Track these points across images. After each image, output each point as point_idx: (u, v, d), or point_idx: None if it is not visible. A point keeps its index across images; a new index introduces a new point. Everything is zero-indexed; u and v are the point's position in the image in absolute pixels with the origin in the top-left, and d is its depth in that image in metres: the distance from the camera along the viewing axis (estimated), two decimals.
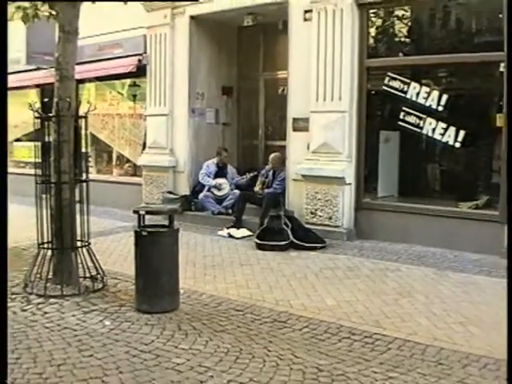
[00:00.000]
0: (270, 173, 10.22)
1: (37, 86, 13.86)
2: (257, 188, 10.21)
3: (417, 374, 4.31)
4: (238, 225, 9.72)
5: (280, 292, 6.41)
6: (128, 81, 12.63)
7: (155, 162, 11.67)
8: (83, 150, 7.07)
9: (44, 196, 6.50)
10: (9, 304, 5.46)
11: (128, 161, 13.12)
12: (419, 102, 8.77)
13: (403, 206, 9.01)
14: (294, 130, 9.83)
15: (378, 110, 10.18)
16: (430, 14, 9.44)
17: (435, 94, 8.69)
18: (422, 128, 8.77)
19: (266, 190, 9.98)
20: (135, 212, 5.87)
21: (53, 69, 6.89)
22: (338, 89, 9.10)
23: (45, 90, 13.08)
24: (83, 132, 6.81)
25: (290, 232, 8.65)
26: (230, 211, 10.40)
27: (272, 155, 10.34)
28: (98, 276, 6.48)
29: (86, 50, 11.75)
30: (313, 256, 8.15)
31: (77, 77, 6.91)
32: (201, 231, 9.93)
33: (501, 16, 7.95)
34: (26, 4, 7.06)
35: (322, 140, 9.24)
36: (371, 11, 9.33)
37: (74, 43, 6.57)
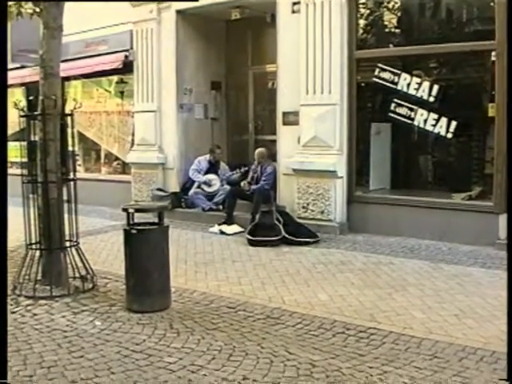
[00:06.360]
0: (258, 168, 10.15)
1: (22, 84, 13.71)
2: (242, 184, 10.08)
3: (412, 367, 4.26)
4: (229, 221, 9.64)
5: (273, 288, 6.35)
6: (115, 77, 12.51)
7: (144, 159, 11.57)
8: (70, 148, 7.01)
9: (31, 196, 6.41)
10: None
11: (116, 158, 13.00)
12: (410, 93, 8.71)
13: (396, 199, 8.95)
14: (284, 123, 9.76)
15: (368, 102, 10.13)
16: (420, 3, 9.39)
17: (426, 84, 8.63)
18: (413, 119, 8.71)
19: (253, 186, 9.90)
20: (124, 210, 5.79)
21: (38, 66, 6.79)
22: (328, 81, 9.02)
23: (30, 88, 12.94)
24: (70, 130, 6.74)
25: (281, 227, 8.58)
26: (221, 207, 10.32)
27: (256, 150, 10.29)
28: (88, 276, 6.38)
29: (72, 47, 11.61)
30: (305, 251, 8.09)
31: (62, 74, 6.84)
32: (191, 228, 9.86)
33: (492, 4, 7.89)
34: (9, 2, 6.95)
35: (312, 133, 9.17)
36: (360, 2, 9.27)
37: (59, 40, 6.48)
